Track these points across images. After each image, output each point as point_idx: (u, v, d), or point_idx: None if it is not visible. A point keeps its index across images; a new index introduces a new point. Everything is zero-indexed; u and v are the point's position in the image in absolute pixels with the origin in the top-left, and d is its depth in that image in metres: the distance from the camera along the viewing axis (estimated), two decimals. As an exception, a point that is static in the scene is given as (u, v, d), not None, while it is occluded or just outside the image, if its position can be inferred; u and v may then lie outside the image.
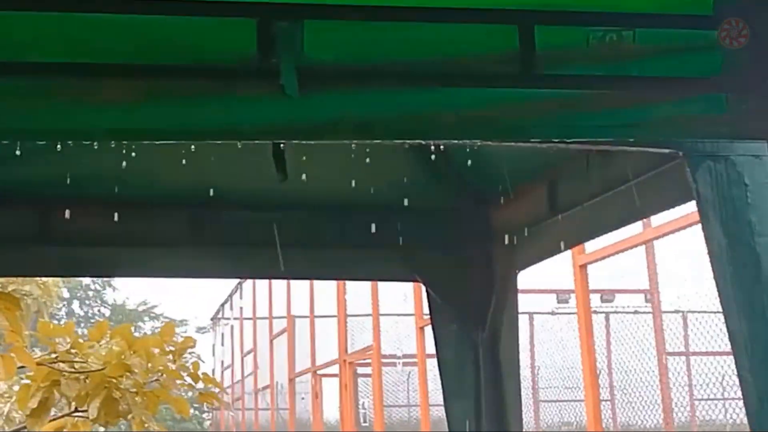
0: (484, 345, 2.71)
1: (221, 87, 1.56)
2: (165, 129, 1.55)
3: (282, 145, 1.98)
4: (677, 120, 1.63)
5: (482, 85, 1.59)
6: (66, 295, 27.29)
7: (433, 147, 2.68)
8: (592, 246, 6.64)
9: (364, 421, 12.43)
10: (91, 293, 30.02)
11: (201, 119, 1.56)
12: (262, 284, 18.62)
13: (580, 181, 2.33)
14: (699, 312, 6.72)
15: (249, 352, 19.95)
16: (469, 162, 2.77)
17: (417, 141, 1.62)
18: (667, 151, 1.68)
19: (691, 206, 1.76)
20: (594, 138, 1.64)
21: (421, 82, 1.57)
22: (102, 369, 2.90)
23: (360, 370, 12.74)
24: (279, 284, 16.84)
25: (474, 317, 2.75)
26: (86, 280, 30.25)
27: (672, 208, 2.10)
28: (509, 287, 2.73)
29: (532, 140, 1.62)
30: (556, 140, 1.64)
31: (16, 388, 3.88)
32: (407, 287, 10.58)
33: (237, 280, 21.11)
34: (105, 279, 30.61)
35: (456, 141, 1.65)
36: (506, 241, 2.70)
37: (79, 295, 29.63)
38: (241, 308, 21.03)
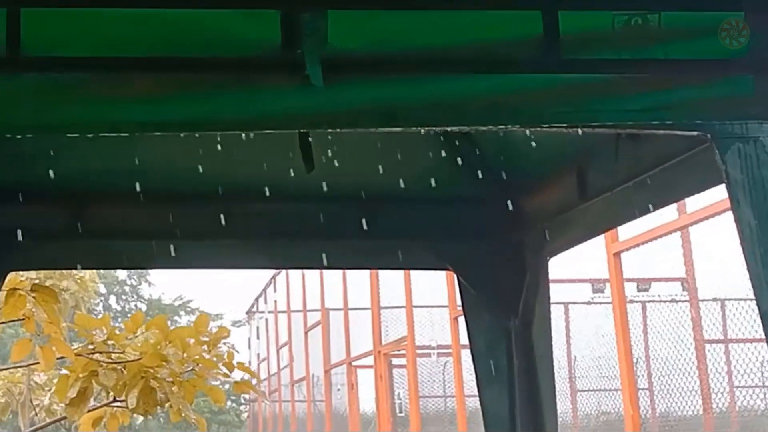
0: (516, 332, 2.71)
1: (247, 78, 1.58)
2: (193, 120, 1.57)
3: (309, 135, 2.00)
4: (704, 103, 1.61)
5: (507, 71, 1.60)
6: (103, 290, 27.67)
7: (461, 136, 2.69)
8: (625, 233, 6.59)
9: (400, 412, 12.46)
10: (127, 288, 30.40)
11: (228, 110, 1.58)
12: (295, 278, 18.75)
13: (610, 167, 2.32)
14: (737, 300, 6.64)
15: (284, 345, 20.09)
16: (498, 150, 2.77)
17: (442, 128, 1.63)
18: (695, 134, 1.66)
19: (724, 190, 1.74)
20: (620, 122, 1.63)
21: (445, 69, 1.58)
22: (139, 359, 2.95)
23: (395, 361, 12.78)
24: (312, 277, 16.93)
25: (506, 305, 2.75)
26: (122, 276, 30.63)
27: (702, 192, 2.08)
28: (541, 274, 2.73)
29: (558, 125, 1.62)
30: (582, 125, 1.63)
31: (56, 381, 3.96)
32: (440, 279, 10.59)
33: (271, 275, 21.27)
34: (141, 274, 30.97)
35: (482, 127, 1.65)
36: (537, 229, 2.70)
37: (115, 290, 30.02)
38: (275, 301, 21.18)
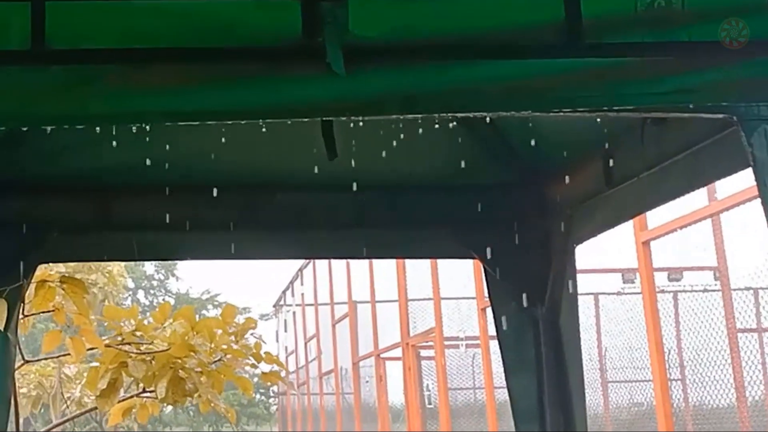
0: (543, 320, 2.70)
1: (269, 68, 1.59)
2: (215, 110, 1.58)
3: (331, 124, 2.00)
4: (730, 85, 1.60)
5: (529, 56, 1.59)
6: (131, 285, 27.93)
7: (485, 124, 2.68)
8: (654, 222, 6.53)
9: (429, 403, 12.47)
10: (155, 283, 30.67)
11: (250, 100, 1.59)
12: (322, 271, 18.80)
13: (636, 153, 2.30)
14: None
15: (312, 338, 20.17)
16: (523, 138, 2.76)
17: (465, 114, 1.62)
18: (720, 116, 1.65)
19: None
20: (645, 106, 1.62)
21: (467, 55, 1.57)
22: (167, 350, 2.97)
23: (423, 353, 12.78)
24: (339, 270, 16.97)
25: (532, 293, 2.74)
26: (150, 270, 30.89)
27: (730, 176, 2.05)
28: (567, 261, 2.71)
29: (581, 110, 1.61)
30: (606, 109, 1.62)
31: (86, 374, 4.00)
32: (468, 270, 10.56)
33: (297, 268, 21.35)
34: (168, 269, 31.19)
35: (504, 113, 1.64)
36: (563, 216, 2.68)
37: (143, 285, 30.30)
38: (302, 294, 21.26)
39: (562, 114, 1.65)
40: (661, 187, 2.25)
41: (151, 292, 29.79)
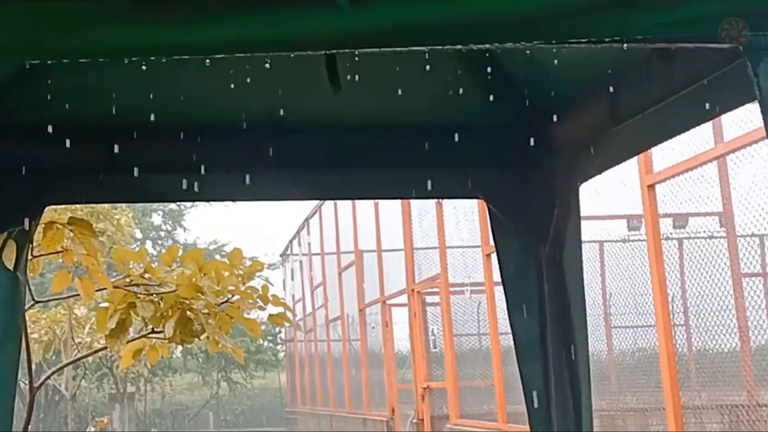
0: (547, 259, 2.72)
1: (272, 0, 1.58)
2: (219, 44, 1.58)
3: (335, 57, 2.00)
4: (736, 14, 1.58)
5: (534, -15, 1.57)
6: (138, 235, 28.01)
7: (489, 62, 2.66)
8: (659, 165, 6.51)
9: (434, 347, 12.59)
10: (162, 233, 30.79)
11: (254, 33, 1.58)
12: (328, 220, 18.86)
13: (642, 89, 2.29)
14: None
15: (318, 286, 20.32)
16: (527, 77, 2.74)
17: (471, 46, 1.61)
18: (726, 46, 1.64)
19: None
20: (650, 36, 1.61)
21: (471, -15, 1.56)
22: (174, 290, 3.01)
23: (429, 299, 12.88)
24: (345, 220, 17.03)
25: (536, 232, 2.76)
26: (157, 221, 30.97)
27: (736, 108, 2.05)
28: (572, 201, 2.72)
29: (586, 41, 1.60)
30: (612, 40, 1.61)
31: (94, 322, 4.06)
32: (473, 219, 10.58)
33: (304, 218, 21.43)
34: (176, 220, 31.24)
35: (508, 45, 1.63)
36: (567, 155, 2.68)
37: (151, 235, 30.41)
38: (309, 244, 21.36)
39: (567, 46, 1.64)
40: (666, 123, 2.25)
41: (159, 242, 29.93)
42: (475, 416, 11.38)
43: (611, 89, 2.39)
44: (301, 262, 22.87)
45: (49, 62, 1.59)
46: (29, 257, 2.72)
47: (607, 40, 1.60)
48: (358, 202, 15.74)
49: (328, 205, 18.43)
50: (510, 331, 2.85)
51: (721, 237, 7.00)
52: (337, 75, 2.00)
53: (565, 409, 2.65)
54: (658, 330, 6.91)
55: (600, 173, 2.65)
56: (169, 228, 31.24)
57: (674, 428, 6.46)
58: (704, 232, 7.45)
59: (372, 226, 14.91)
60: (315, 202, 19.65)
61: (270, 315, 3.40)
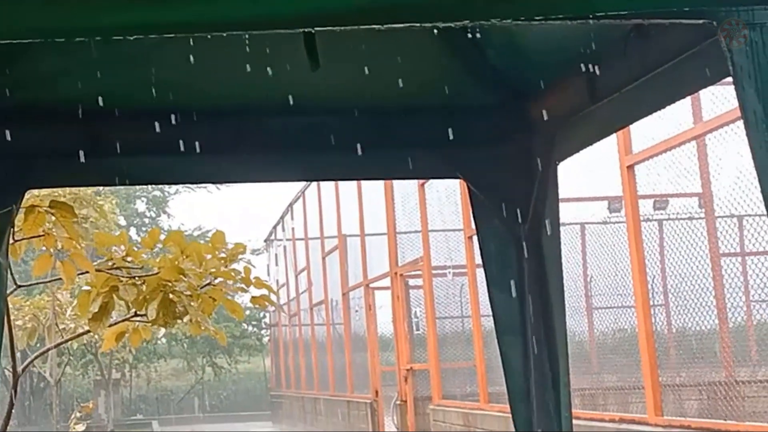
0: (526, 236, 2.75)
1: (250, -23, 1.57)
2: (196, 22, 1.58)
3: (313, 34, 2.00)
4: (710, -11, 1.60)
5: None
6: (123, 222, 27.88)
7: (467, 41, 2.67)
8: (639, 145, 6.56)
9: (417, 329, 12.65)
10: (146, 220, 30.69)
11: (232, 11, 1.58)
12: (312, 205, 18.85)
13: (619, 67, 2.31)
14: (755, 215, 6.61)
15: (302, 270, 20.33)
16: (505, 56, 2.76)
17: (447, 24, 1.62)
18: (700, 22, 1.66)
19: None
20: (625, 11, 1.62)
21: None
22: (157, 273, 3.01)
23: (411, 282, 12.92)
24: (329, 205, 17.03)
25: (515, 211, 2.78)
26: (141, 208, 30.84)
27: (712, 84, 2.07)
28: (550, 179, 2.74)
29: (562, 17, 1.61)
30: (588, 16, 1.62)
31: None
32: (456, 203, 10.61)
33: (288, 203, 21.39)
34: (160, 206, 31.10)
35: (485, 22, 1.64)
36: (545, 133, 2.70)
37: (135, 222, 30.31)
38: (293, 229, 21.35)
39: (544, 23, 1.65)
40: (644, 100, 2.27)
41: (143, 228, 29.82)
42: (457, 397, 11.46)
43: (589, 68, 2.41)
44: (285, 247, 22.87)
45: (23, 42, 1.58)
46: (11, 241, 2.72)
47: (582, 15, 1.62)
48: (341, 186, 15.74)
49: (312, 190, 18.44)
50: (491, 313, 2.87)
51: (700, 218, 7.05)
52: (316, 52, 2.00)
53: (545, 386, 2.68)
54: (637, 310, 6.97)
55: (578, 151, 2.68)
56: (153, 214, 31.14)
57: (653, 406, 6.54)
58: (684, 213, 7.51)
59: (355, 210, 14.92)
60: (298, 187, 19.62)
61: (252, 297, 3.41)
